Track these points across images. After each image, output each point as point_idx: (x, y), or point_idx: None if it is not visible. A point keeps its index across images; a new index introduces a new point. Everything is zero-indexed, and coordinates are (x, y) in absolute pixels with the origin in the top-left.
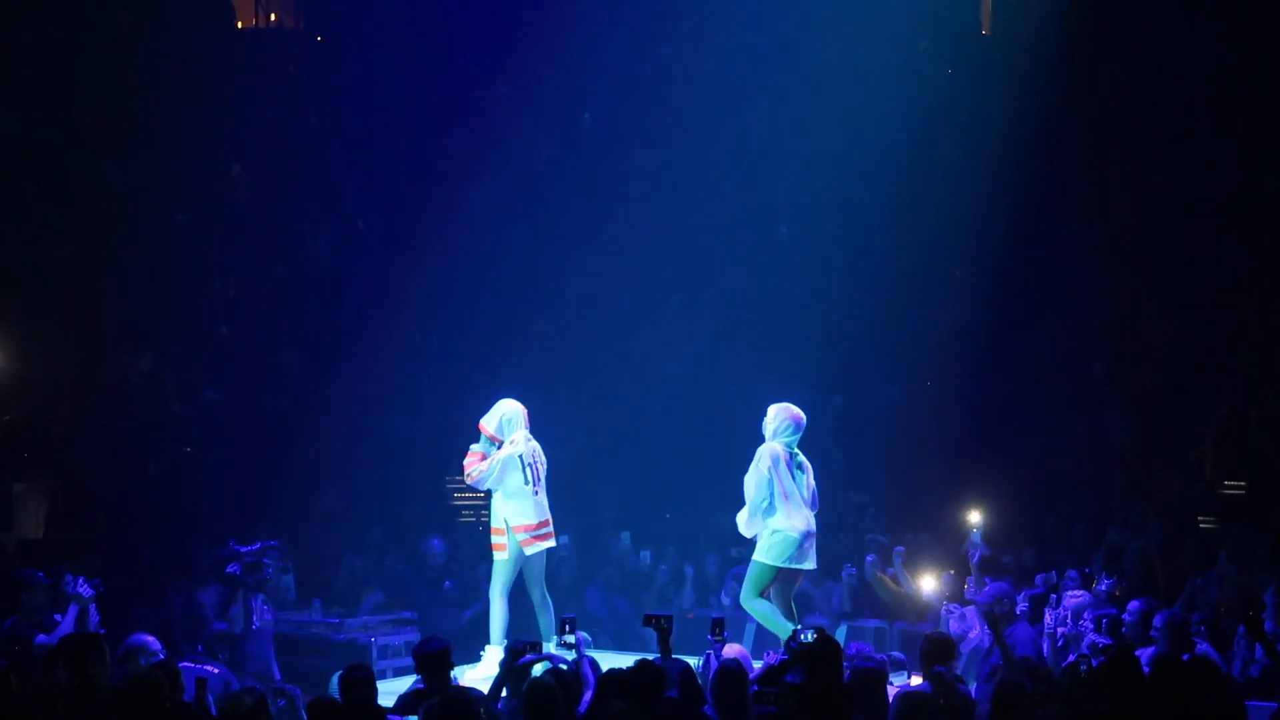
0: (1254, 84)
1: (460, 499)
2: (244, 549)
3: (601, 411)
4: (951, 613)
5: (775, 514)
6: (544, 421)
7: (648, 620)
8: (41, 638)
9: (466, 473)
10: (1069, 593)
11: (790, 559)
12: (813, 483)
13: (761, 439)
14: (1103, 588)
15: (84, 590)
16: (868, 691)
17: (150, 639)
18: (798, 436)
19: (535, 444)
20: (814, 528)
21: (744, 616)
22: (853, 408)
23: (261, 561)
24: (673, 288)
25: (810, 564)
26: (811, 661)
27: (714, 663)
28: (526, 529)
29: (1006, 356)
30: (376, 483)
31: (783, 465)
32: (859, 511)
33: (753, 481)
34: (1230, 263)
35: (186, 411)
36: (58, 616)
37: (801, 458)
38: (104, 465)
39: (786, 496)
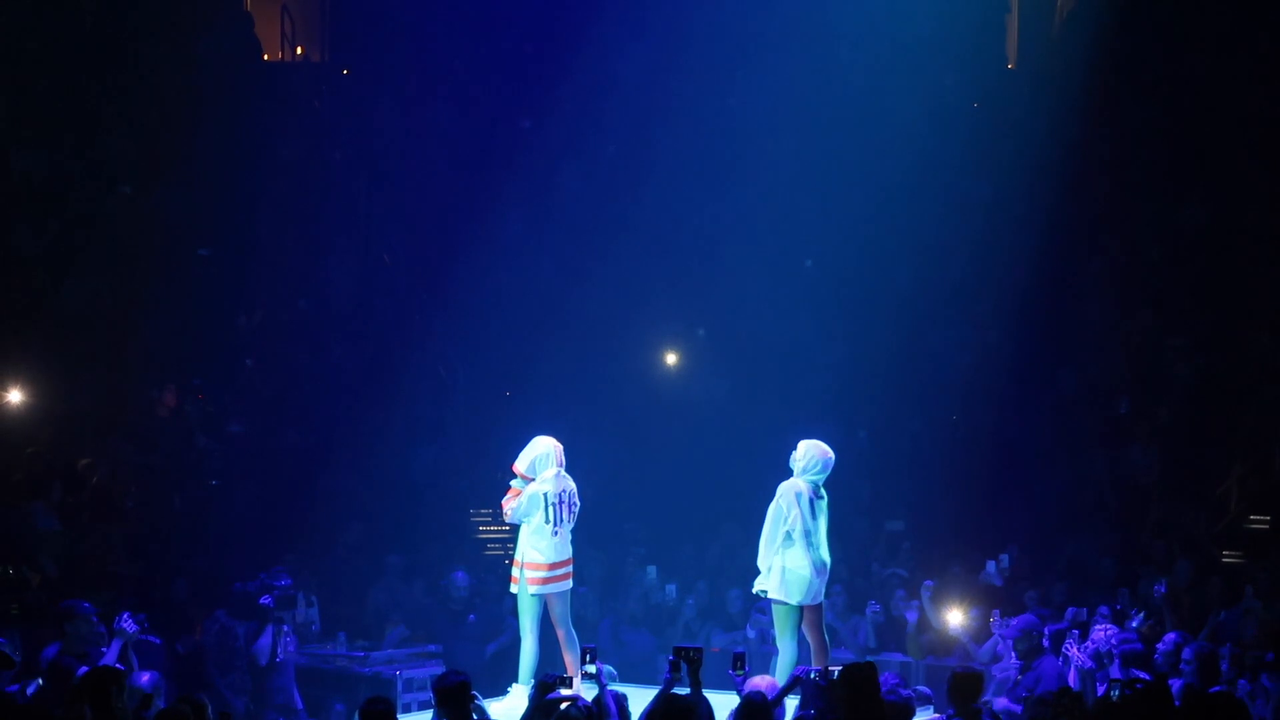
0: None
1: (485, 532)
2: (277, 582)
3: (626, 445)
4: (1004, 638)
5: (792, 549)
6: (569, 455)
7: (678, 652)
8: (84, 670)
9: (504, 511)
10: (1096, 626)
11: (806, 596)
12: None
13: (789, 473)
14: (1134, 623)
15: (129, 626)
16: None
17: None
18: (825, 475)
19: (569, 484)
20: (828, 564)
21: (769, 651)
22: (877, 443)
23: (295, 596)
24: (698, 322)
25: (822, 599)
26: (850, 692)
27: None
28: (536, 567)
29: (1031, 391)
30: (401, 516)
31: (805, 502)
32: (887, 546)
33: (770, 516)
34: (1255, 298)
35: (212, 445)
36: (103, 648)
37: (824, 493)
38: (130, 499)
39: (806, 534)
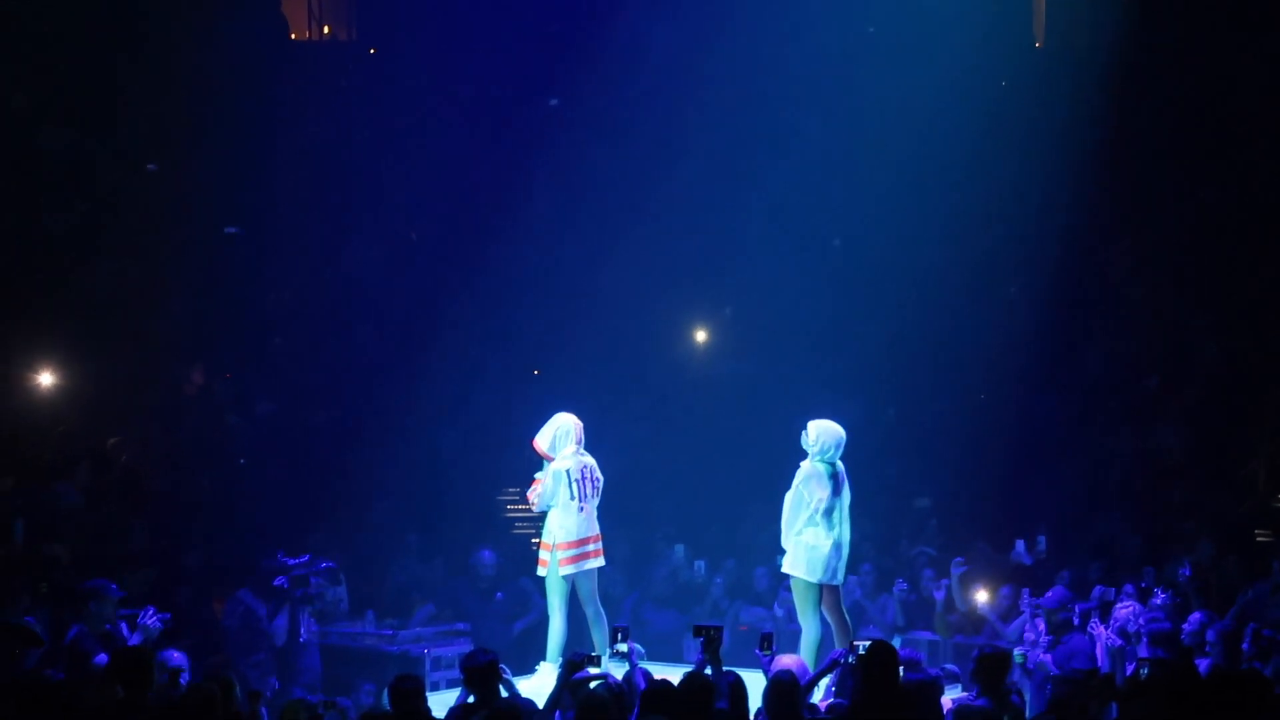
0: None
1: (512, 511)
2: (293, 561)
3: (654, 424)
4: (1037, 612)
5: (812, 527)
6: (595, 434)
7: (698, 631)
8: (102, 658)
9: (530, 502)
10: (1119, 604)
11: (825, 574)
12: (848, 499)
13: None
14: (1157, 601)
15: (152, 623)
16: (923, 704)
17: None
18: (839, 453)
19: (589, 459)
20: (847, 543)
21: (797, 629)
22: (905, 421)
23: (309, 577)
24: (725, 301)
25: (841, 578)
26: (868, 669)
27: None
28: (567, 546)
29: (1059, 370)
30: (428, 494)
31: (822, 480)
32: (914, 524)
33: (789, 501)
34: None
35: (240, 424)
36: (125, 631)
37: (842, 471)
38: (158, 477)
39: (827, 513)
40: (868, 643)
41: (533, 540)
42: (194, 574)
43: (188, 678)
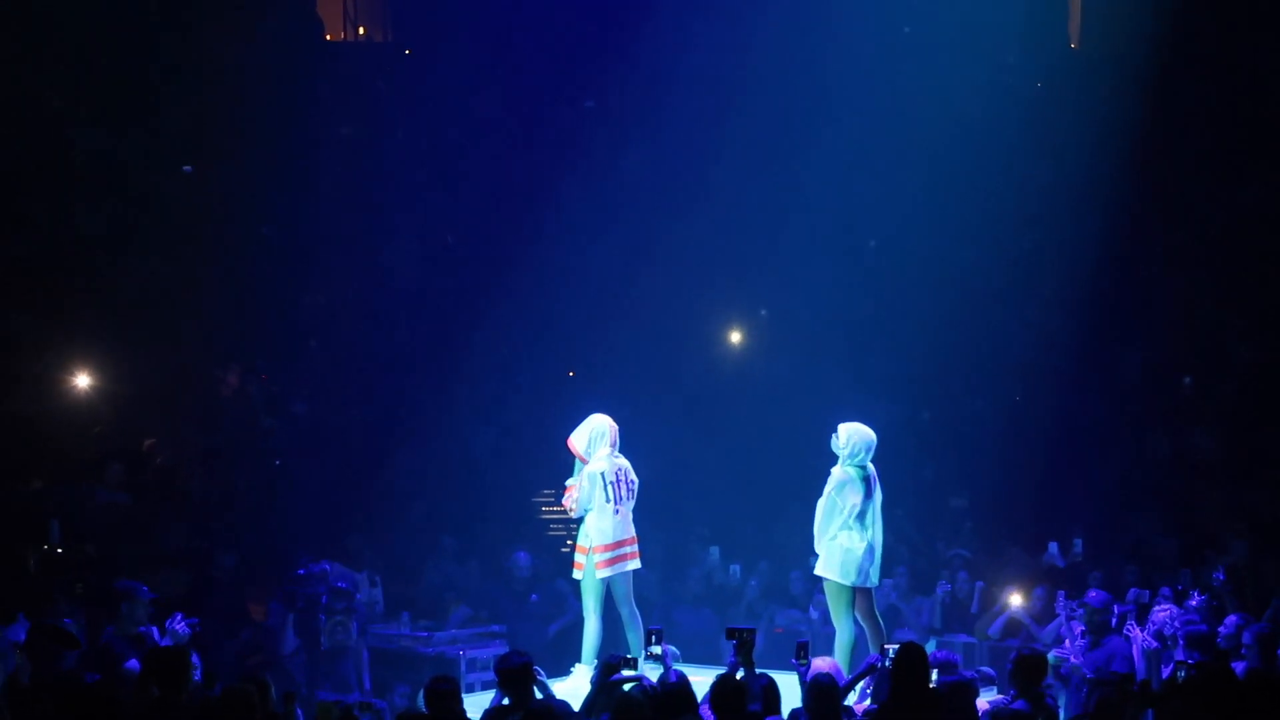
0: None
1: (548, 513)
2: (303, 572)
3: (688, 426)
4: (1073, 614)
5: (845, 531)
6: (631, 436)
7: (731, 633)
8: (133, 663)
9: (566, 508)
10: (1157, 606)
11: (858, 577)
12: (880, 501)
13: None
14: (1193, 603)
15: (181, 629)
16: (957, 706)
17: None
18: (869, 457)
19: (623, 461)
20: (880, 545)
21: (832, 631)
22: (940, 422)
23: (315, 588)
24: (760, 302)
25: (875, 581)
26: (897, 671)
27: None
28: (604, 549)
29: (1094, 372)
30: (463, 496)
31: (856, 486)
32: (950, 526)
33: (823, 507)
34: None
35: (275, 425)
36: (156, 635)
37: (873, 473)
38: (194, 478)
39: (860, 516)
40: (898, 646)
41: (567, 543)
42: (229, 575)
43: (199, 676)
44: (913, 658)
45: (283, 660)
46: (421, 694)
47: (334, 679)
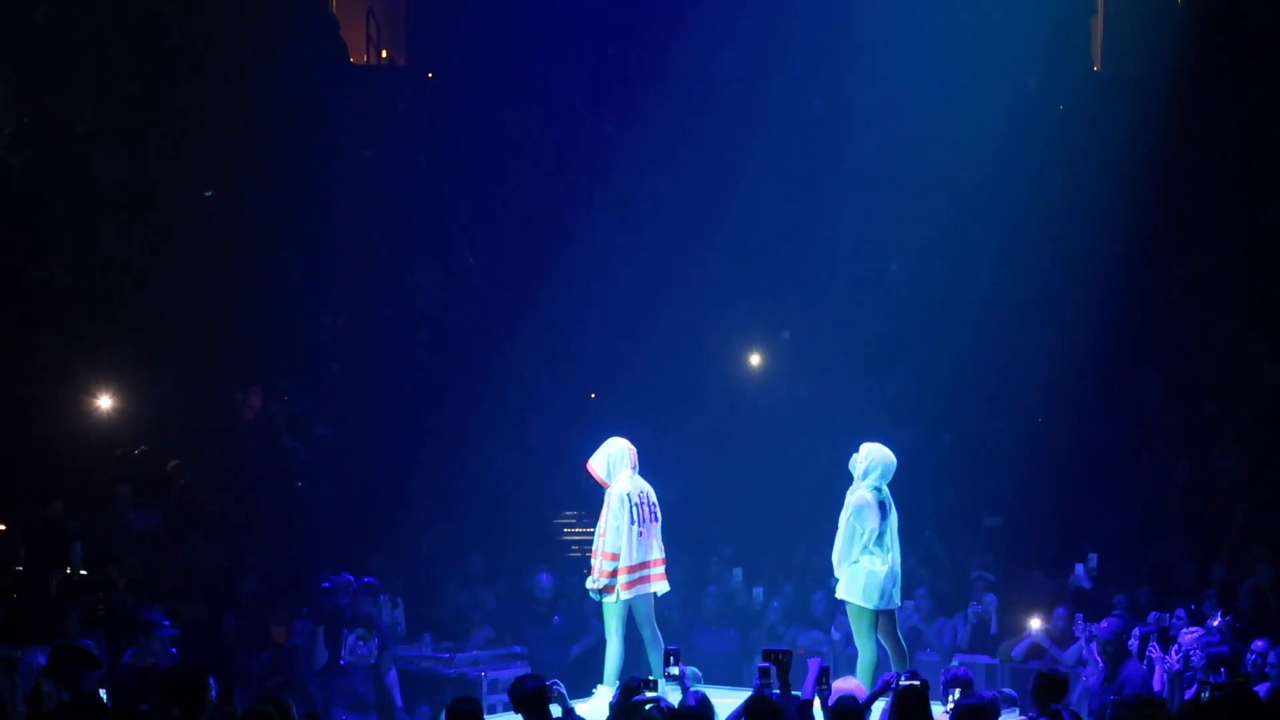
0: None
1: (569, 534)
2: (326, 585)
3: (710, 448)
4: (1092, 638)
5: (865, 554)
6: (653, 457)
7: (767, 655)
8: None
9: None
10: (1185, 629)
11: (881, 600)
12: (896, 523)
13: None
14: (1215, 624)
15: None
16: None
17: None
18: (887, 480)
19: (643, 483)
20: (899, 568)
21: (854, 652)
22: (962, 444)
23: (339, 600)
24: (782, 324)
25: (898, 602)
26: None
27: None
28: (627, 570)
29: (1116, 395)
30: (485, 517)
31: (873, 509)
32: (983, 543)
33: (843, 529)
34: None
35: (297, 446)
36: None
37: (888, 496)
38: (216, 500)
39: (879, 538)
40: (905, 681)
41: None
42: (250, 596)
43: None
44: (909, 702)
45: (310, 678)
46: (444, 715)
47: (352, 698)
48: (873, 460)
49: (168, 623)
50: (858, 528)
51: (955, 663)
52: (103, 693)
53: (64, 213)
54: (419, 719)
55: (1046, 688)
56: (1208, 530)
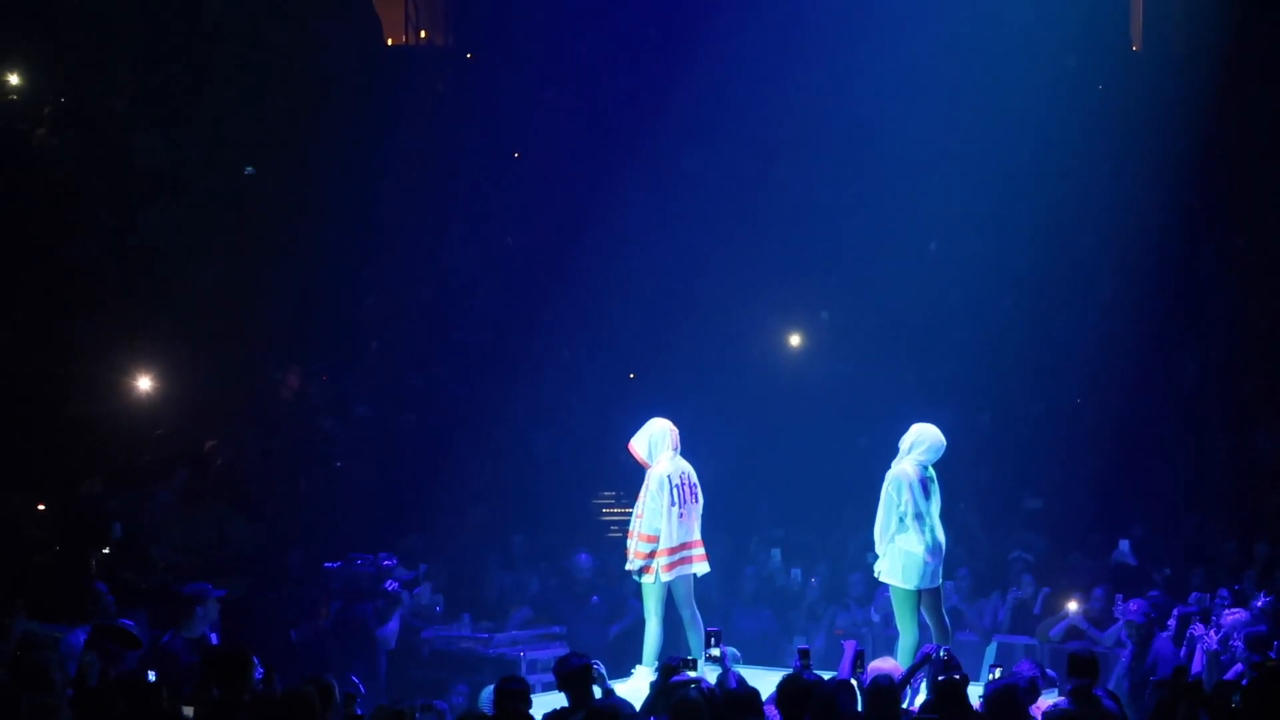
0: None
1: (608, 514)
2: (360, 560)
3: (749, 428)
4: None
5: (905, 533)
6: (692, 438)
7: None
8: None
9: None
10: (1227, 610)
11: (921, 580)
12: (939, 502)
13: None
14: (1258, 604)
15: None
16: (1006, 712)
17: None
18: (934, 459)
19: (685, 464)
20: (943, 547)
21: (893, 634)
22: (1001, 426)
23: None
24: (821, 304)
25: (940, 580)
26: (938, 704)
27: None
28: (668, 552)
29: (1155, 374)
30: (524, 498)
31: (916, 486)
32: (1023, 525)
33: (883, 504)
34: None
35: (336, 427)
36: (213, 638)
37: (933, 475)
38: (254, 481)
39: (919, 517)
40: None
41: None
42: (290, 576)
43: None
44: (949, 696)
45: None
46: (481, 694)
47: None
48: (919, 437)
49: (210, 585)
50: (894, 499)
51: (993, 644)
52: (151, 674)
53: (103, 193)
54: (457, 698)
55: (1078, 666)
56: (1249, 509)
